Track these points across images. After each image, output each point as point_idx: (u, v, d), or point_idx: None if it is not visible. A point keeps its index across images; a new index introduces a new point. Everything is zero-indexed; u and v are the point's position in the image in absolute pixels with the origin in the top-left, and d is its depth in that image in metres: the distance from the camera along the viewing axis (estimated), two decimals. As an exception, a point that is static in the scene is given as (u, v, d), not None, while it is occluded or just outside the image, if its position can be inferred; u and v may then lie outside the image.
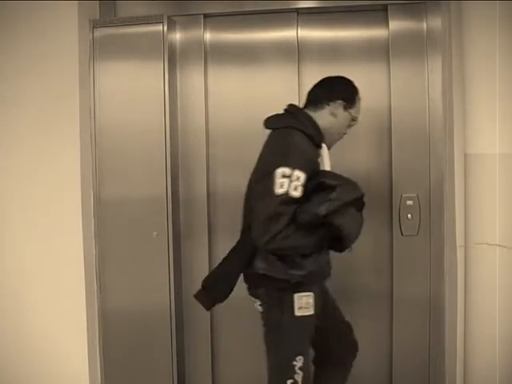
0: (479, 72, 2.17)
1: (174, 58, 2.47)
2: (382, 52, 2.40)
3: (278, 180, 1.63)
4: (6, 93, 2.37)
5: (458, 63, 2.19)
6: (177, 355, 2.44)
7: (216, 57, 2.50)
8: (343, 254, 1.81)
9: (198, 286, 2.50)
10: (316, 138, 1.80)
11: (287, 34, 2.45)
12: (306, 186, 1.66)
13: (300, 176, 1.64)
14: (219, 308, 2.52)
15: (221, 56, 2.50)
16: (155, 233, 2.39)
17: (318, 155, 1.81)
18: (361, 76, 2.41)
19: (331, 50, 2.45)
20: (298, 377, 1.74)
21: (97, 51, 2.41)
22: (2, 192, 2.40)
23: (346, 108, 1.86)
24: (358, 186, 1.78)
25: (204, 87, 2.49)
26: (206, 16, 2.49)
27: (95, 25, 2.42)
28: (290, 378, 1.74)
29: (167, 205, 2.38)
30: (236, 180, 2.49)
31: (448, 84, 2.26)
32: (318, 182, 1.69)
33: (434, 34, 2.34)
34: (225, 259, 1.87)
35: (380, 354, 2.47)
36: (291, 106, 1.90)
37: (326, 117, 1.85)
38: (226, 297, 1.86)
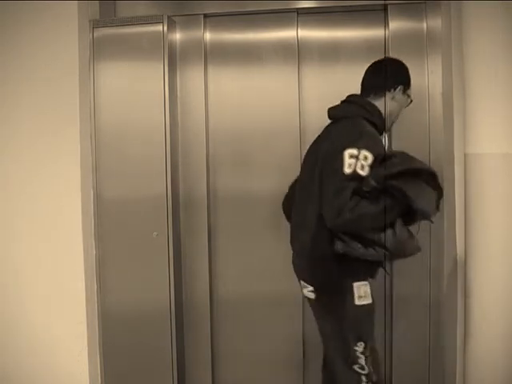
0: (479, 72, 2.17)
1: (173, 58, 2.47)
2: (381, 52, 2.39)
3: (347, 161, 1.67)
4: (5, 93, 2.38)
5: (458, 63, 2.19)
6: (177, 355, 2.43)
7: (216, 57, 2.50)
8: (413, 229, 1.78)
9: (198, 285, 2.53)
10: (380, 126, 1.86)
11: (287, 34, 2.45)
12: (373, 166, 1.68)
13: (367, 156, 1.68)
14: (219, 308, 2.54)
15: (221, 56, 2.50)
16: (155, 233, 2.39)
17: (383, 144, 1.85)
18: (361, 76, 2.42)
19: (331, 50, 2.45)
20: (362, 361, 1.77)
21: (97, 51, 2.41)
22: (2, 192, 2.40)
23: (404, 91, 1.92)
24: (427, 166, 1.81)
25: (204, 87, 2.49)
26: (205, 16, 2.49)
27: (95, 25, 2.42)
28: (354, 364, 1.77)
29: (167, 205, 2.38)
30: (236, 180, 2.51)
31: (448, 84, 2.26)
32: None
33: (434, 34, 2.34)
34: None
35: (380, 353, 2.46)
36: (353, 95, 1.93)
37: (387, 103, 1.88)
38: None
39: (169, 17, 2.39)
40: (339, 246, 1.73)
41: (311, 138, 2.44)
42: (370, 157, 1.68)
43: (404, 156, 1.77)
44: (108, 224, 2.45)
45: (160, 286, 2.41)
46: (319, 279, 1.82)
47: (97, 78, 2.42)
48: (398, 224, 1.72)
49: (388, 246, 1.70)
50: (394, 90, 1.89)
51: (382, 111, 1.87)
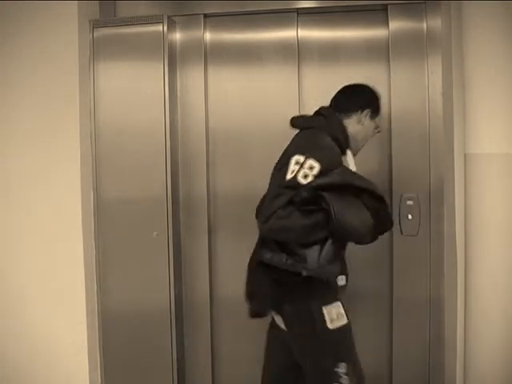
0: (479, 72, 2.17)
1: (173, 58, 2.47)
2: (381, 52, 2.40)
3: (291, 167, 1.64)
4: (5, 93, 2.38)
5: (458, 63, 2.19)
6: (177, 355, 2.44)
7: (216, 57, 2.50)
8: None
9: (198, 285, 2.53)
10: (343, 143, 1.79)
11: (287, 34, 2.45)
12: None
13: (314, 166, 1.63)
14: (219, 308, 2.54)
15: (221, 56, 2.50)
16: (155, 233, 2.39)
17: (342, 161, 1.79)
18: (361, 76, 2.41)
19: (331, 50, 2.44)
20: (344, 381, 1.70)
21: (97, 51, 2.41)
22: (3, 192, 2.40)
23: (372, 117, 1.88)
24: (377, 189, 1.73)
25: (204, 87, 2.48)
26: (205, 16, 2.49)
27: (95, 25, 2.41)
28: (335, 382, 1.70)
29: (167, 205, 2.38)
30: (236, 180, 2.50)
31: (448, 84, 2.26)
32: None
33: (434, 34, 2.34)
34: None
35: (380, 353, 2.47)
36: (323, 108, 1.90)
37: (353, 124, 1.85)
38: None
39: (169, 17, 2.39)
40: (266, 256, 1.71)
41: (311, 138, 2.46)
42: (317, 167, 1.62)
43: (347, 172, 1.72)
44: (108, 224, 2.45)
45: (160, 286, 2.41)
46: (284, 307, 1.74)
47: (97, 78, 2.42)
48: (328, 243, 1.67)
49: (308, 263, 1.65)
50: (361, 111, 1.85)
51: (349, 130, 1.82)
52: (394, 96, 2.36)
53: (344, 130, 1.81)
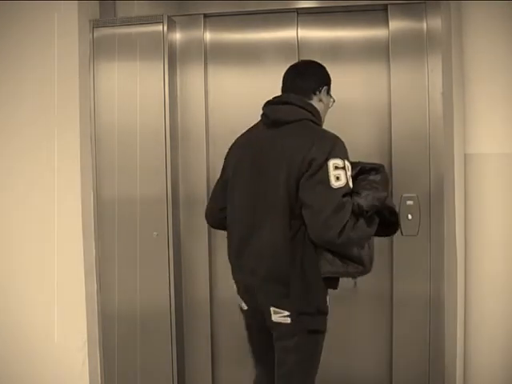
0: (479, 72, 2.17)
1: (173, 58, 2.47)
2: (382, 52, 2.40)
3: (332, 172, 1.57)
4: (5, 93, 2.38)
5: (458, 63, 2.19)
6: (177, 355, 2.44)
7: (216, 57, 2.50)
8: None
9: (198, 285, 2.52)
10: (321, 126, 1.81)
11: (287, 34, 2.45)
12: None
13: (349, 166, 1.62)
14: (219, 308, 2.54)
15: (221, 56, 2.50)
16: (155, 233, 2.39)
17: None
18: (361, 76, 2.43)
19: (331, 50, 2.44)
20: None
21: (97, 51, 2.41)
22: (3, 192, 2.40)
23: (328, 91, 1.85)
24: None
25: (204, 87, 2.48)
26: (205, 16, 2.49)
27: (95, 25, 2.42)
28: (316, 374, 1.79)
29: (167, 205, 2.38)
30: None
31: (448, 84, 2.26)
32: (357, 169, 1.69)
33: (434, 34, 2.34)
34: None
35: (380, 354, 2.47)
36: (291, 96, 1.77)
37: (316, 104, 1.81)
38: None
39: (169, 17, 2.39)
40: (327, 268, 1.66)
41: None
42: (349, 165, 1.62)
43: (379, 168, 1.77)
44: (108, 224, 2.45)
45: (160, 286, 2.41)
46: (298, 303, 1.67)
47: (97, 78, 2.42)
48: (372, 240, 1.71)
49: (364, 262, 1.68)
50: (320, 91, 1.80)
51: (322, 112, 1.83)
52: (394, 96, 2.36)
53: (318, 112, 1.79)
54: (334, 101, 1.89)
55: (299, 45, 2.44)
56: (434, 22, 2.34)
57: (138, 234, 2.41)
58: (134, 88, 2.39)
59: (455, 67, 2.19)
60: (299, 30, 2.45)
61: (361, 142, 2.43)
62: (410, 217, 2.35)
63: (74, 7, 2.33)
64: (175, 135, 2.47)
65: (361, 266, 1.67)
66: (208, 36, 2.52)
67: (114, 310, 2.47)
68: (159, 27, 2.37)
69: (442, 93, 2.32)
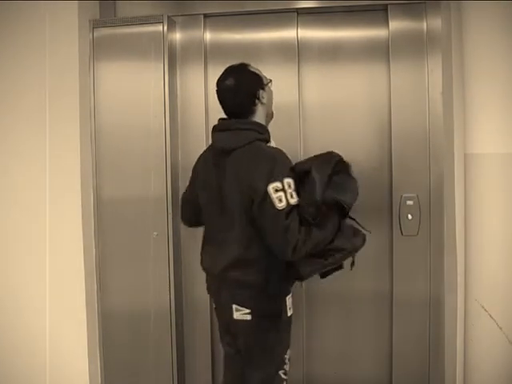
0: (479, 72, 2.17)
1: (173, 58, 2.47)
2: (382, 52, 2.40)
3: (275, 195, 1.66)
4: (5, 93, 2.38)
5: (458, 63, 2.19)
6: (177, 355, 2.44)
7: (216, 57, 2.50)
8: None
9: (198, 285, 2.52)
10: (268, 138, 1.85)
11: (287, 34, 2.45)
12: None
13: (290, 182, 1.68)
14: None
15: (221, 56, 2.49)
16: (155, 233, 2.39)
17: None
18: (361, 76, 2.43)
19: (331, 50, 2.44)
20: (287, 366, 1.84)
21: (97, 51, 2.42)
22: (3, 192, 2.40)
23: (263, 89, 1.86)
24: (332, 153, 1.80)
25: (204, 87, 2.49)
26: (205, 16, 2.49)
27: (95, 25, 2.42)
28: (281, 369, 1.82)
29: (167, 205, 2.38)
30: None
31: (448, 84, 2.26)
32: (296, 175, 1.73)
33: (434, 34, 2.34)
34: None
35: (380, 354, 2.47)
36: (235, 122, 1.84)
37: (261, 111, 1.85)
38: None
39: (169, 17, 2.40)
40: (306, 270, 1.73)
41: (311, 137, 2.46)
42: (292, 181, 1.68)
43: (314, 165, 1.74)
44: (108, 224, 2.45)
45: (160, 286, 2.41)
46: (260, 303, 1.78)
47: (97, 78, 2.42)
48: (342, 223, 1.75)
49: (344, 247, 1.73)
50: (258, 97, 1.83)
51: (263, 116, 1.86)
52: (394, 96, 2.36)
53: (261, 125, 1.83)
54: (270, 80, 1.91)
55: (299, 45, 2.44)
56: (434, 22, 2.34)
57: (138, 234, 2.41)
58: (134, 88, 2.39)
59: (455, 67, 2.20)
60: (299, 30, 2.45)
61: (361, 142, 2.43)
62: (409, 217, 2.35)
63: (74, 7, 2.33)
64: (175, 135, 2.47)
65: (341, 252, 1.73)
66: (208, 36, 2.52)
67: (113, 310, 2.48)
68: (159, 27, 2.37)
69: (441, 93, 2.33)
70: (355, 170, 2.40)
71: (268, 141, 1.85)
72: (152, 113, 2.38)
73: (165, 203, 2.38)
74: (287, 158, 1.77)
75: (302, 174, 1.72)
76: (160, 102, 2.37)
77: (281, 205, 1.65)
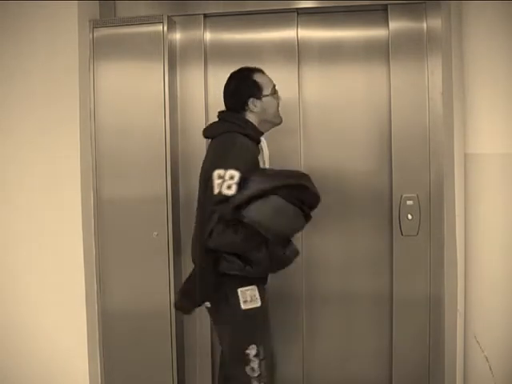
0: (479, 72, 2.17)
1: (173, 58, 2.47)
2: (381, 52, 2.40)
3: (216, 182, 1.74)
4: (5, 93, 2.38)
5: (458, 63, 2.19)
6: (177, 355, 2.44)
7: (216, 57, 2.50)
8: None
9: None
10: (254, 136, 1.90)
11: (287, 33, 2.45)
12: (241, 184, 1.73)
13: (234, 175, 1.72)
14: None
15: (221, 56, 2.50)
16: (155, 233, 2.39)
17: (259, 151, 1.94)
18: (361, 76, 2.43)
19: (331, 50, 2.44)
20: (254, 364, 1.83)
21: (97, 51, 2.41)
22: (3, 192, 2.40)
23: (258, 98, 1.92)
24: (303, 176, 1.83)
25: (204, 87, 2.48)
26: (205, 16, 2.49)
27: (95, 25, 2.42)
28: (246, 365, 1.83)
29: (167, 205, 2.38)
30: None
31: (448, 84, 2.26)
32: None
33: (434, 34, 2.34)
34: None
35: (380, 354, 2.47)
36: (223, 112, 1.96)
37: (251, 115, 1.93)
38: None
39: (169, 17, 2.39)
40: (224, 266, 1.81)
41: (311, 137, 2.46)
42: (237, 175, 1.72)
43: (256, 179, 1.76)
44: (108, 224, 2.45)
45: (160, 286, 2.41)
46: (210, 291, 1.87)
47: (97, 78, 2.42)
48: (270, 242, 1.80)
49: (262, 264, 1.81)
50: (247, 105, 1.91)
51: (254, 122, 1.92)
52: (394, 96, 2.36)
53: (247, 121, 1.90)
54: (275, 94, 1.97)
55: (299, 45, 2.44)
56: (434, 22, 2.34)
57: (138, 234, 2.41)
58: (134, 88, 2.39)
59: (455, 67, 2.20)
60: (299, 30, 2.45)
61: (361, 142, 2.43)
62: (409, 217, 2.35)
63: (73, 7, 2.33)
64: (175, 135, 2.47)
65: (259, 266, 1.82)
66: (208, 36, 2.52)
67: (114, 310, 2.47)
68: (159, 27, 2.37)
69: (441, 93, 2.33)
70: (355, 169, 2.41)
71: (252, 138, 1.89)
72: (152, 113, 2.38)
73: (165, 203, 2.38)
74: (251, 155, 1.82)
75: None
76: (160, 102, 2.37)
77: (216, 191, 1.72)
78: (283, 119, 2.03)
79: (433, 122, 2.35)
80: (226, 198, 1.71)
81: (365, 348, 2.48)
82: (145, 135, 2.39)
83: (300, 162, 2.44)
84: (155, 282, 2.42)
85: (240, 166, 1.75)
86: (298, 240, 2.43)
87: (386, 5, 2.36)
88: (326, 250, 2.48)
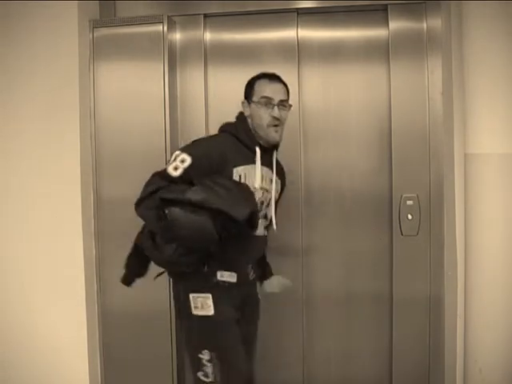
0: (479, 72, 2.17)
1: (173, 58, 2.47)
2: (381, 52, 2.40)
3: (171, 160, 1.79)
4: (5, 93, 2.38)
5: (458, 63, 2.19)
6: (177, 355, 2.44)
7: (216, 57, 2.50)
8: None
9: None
10: (246, 142, 1.88)
11: (287, 34, 2.45)
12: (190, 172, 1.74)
13: (185, 159, 1.75)
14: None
15: (221, 56, 2.50)
16: (155, 233, 2.39)
17: (250, 158, 1.85)
18: (361, 76, 2.43)
19: (331, 50, 2.44)
20: (207, 369, 1.80)
21: (97, 51, 2.42)
22: (3, 192, 2.40)
23: (249, 102, 1.92)
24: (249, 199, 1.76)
25: (204, 87, 2.48)
26: (205, 16, 2.49)
27: (95, 25, 2.42)
28: (199, 370, 1.81)
29: (167, 205, 2.37)
30: (236, 180, 2.49)
31: (448, 84, 2.26)
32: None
33: (434, 34, 2.34)
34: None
35: (380, 354, 2.47)
36: (241, 113, 1.97)
37: (248, 120, 1.93)
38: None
39: (169, 17, 2.39)
40: (144, 241, 1.87)
41: (311, 137, 2.46)
42: (189, 160, 1.74)
43: (207, 189, 1.70)
44: (108, 224, 2.45)
45: (160, 286, 2.40)
46: (174, 291, 1.96)
47: (97, 78, 2.42)
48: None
49: (149, 254, 1.85)
50: (244, 107, 1.94)
51: (250, 126, 1.90)
52: (394, 96, 2.36)
53: (246, 130, 1.90)
54: (269, 103, 1.87)
55: (299, 45, 2.44)
56: (434, 22, 2.34)
57: (138, 233, 2.41)
58: (134, 88, 2.39)
59: (455, 67, 2.20)
60: (299, 30, 2.45)
61: (361, 142, 2.43)
62: (409, 217, 2.35)
63: (73, 7, 2.33)
64: (175, 135, 2.47)
65: (162, 257, 1.82)
66: (208, 36, 2.51)
67: (113, 310, 2.47)
68: (159, 27, 2.37)
69: (441, 93, 2.33)
70: (355, 169, 2.41)
71: (242, 141, 1.87)
72: (152, 113, 2.38)
73: (165, 203, 2.38)
74: (217, 151, 1.79)
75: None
76: (160, 102, 2.37)
77: (164, 168, 1.77)
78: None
79: (433, 121, 2.35)
80: (168, 177, 1.74)
81: (365, 348, 2.48)
82: (145, 135, 2.39)
83: (300, 162, 2.44)
84: (155, 281, 2.41)
85: (197, 154, 1.76)
86: (298, 240, 2.44)
87: (386, 5, 2.37)
88: (325, 249, 2.48)
